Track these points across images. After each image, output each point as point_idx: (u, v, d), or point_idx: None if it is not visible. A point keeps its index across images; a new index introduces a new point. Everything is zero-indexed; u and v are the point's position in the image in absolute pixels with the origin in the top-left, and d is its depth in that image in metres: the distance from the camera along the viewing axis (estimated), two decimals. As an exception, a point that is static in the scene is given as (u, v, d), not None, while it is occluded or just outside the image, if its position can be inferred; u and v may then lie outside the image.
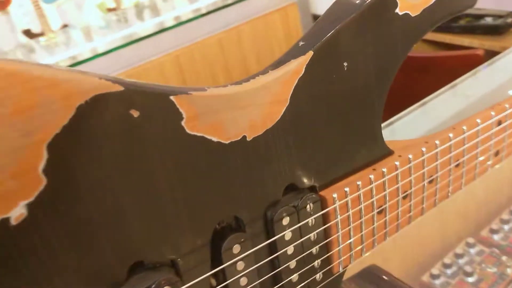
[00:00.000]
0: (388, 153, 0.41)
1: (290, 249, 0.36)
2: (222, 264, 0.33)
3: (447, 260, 0.82)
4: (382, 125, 0.73)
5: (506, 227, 0.93)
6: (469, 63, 1.11)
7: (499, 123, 0.49)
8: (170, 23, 1.89)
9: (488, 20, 1.66)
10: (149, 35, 1.84)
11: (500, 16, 1.65)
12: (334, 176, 0.38)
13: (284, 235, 0.35)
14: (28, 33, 1.83)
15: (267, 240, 0.35)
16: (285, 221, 0.35)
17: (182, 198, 0.30)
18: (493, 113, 0.48)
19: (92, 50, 1.81)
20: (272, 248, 0.35)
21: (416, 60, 1.23)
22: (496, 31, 1.63)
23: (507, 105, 0.49)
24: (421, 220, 0.93)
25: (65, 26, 1.86)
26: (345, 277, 0.52)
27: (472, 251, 0.86)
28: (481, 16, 1.70)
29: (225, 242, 0.32)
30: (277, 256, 0.35)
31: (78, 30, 1.86)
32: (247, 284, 0.34)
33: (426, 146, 0.43)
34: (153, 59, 1.85)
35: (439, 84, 1.00)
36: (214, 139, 0.30)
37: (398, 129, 0.91)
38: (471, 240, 0.91)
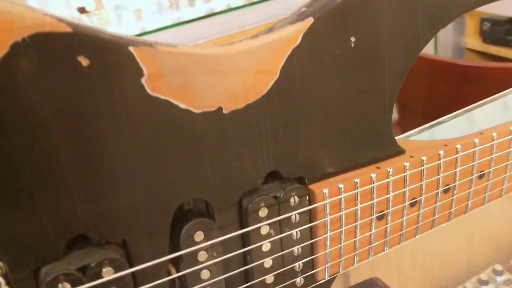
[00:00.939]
0: (398, 152, 0.36)
1: (266, 246, 0.31)
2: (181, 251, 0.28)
3: (469, 285, 0.75)
4: (423, 127, 0.67)
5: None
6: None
7: (536, 134, 0.42)
8: (221, 8, 1.87)
9: (548, 36, 1.54)
10: (198, 18, 1.81)
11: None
12: (328, 169, 0.33)
13: (259, 228, 0.31)
14: (82, 10, 1.86)
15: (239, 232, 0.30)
16: (263, 212, 0.30)
17: (138, 171, 0.26)
18: (530, 122, 0.41)
19: (141, 29, 1.81)
20: (245, 241, 0.31)
21: (464, 68, 1.15)
22: (555, 49, 1.51)
23: (549, 116, 0.42)
24: (447, 238, 0.86)
25: (118, 6, 1.88)
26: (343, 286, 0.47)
27: (499, 279, 0.79)
28: (541, 32, 1.59)
29: (186, 227, 0.28)
30: (249, 251, 0.31)
31: (131, 12, 1.88)
32: (210, 278, 0.30)
33: (444, 149, 0.37)
34: (199, 43, 1.82)
35: (486, 95, 0.92)
36: (182, 105, 0.26)
37: (439, 133, 0.84)
38: (499, 267, 0.84)
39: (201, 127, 0.27)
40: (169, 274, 0.29)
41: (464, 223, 0.87)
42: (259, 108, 0.29)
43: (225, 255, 0.30)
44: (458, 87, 1.17)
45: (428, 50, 1.62)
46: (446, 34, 1.74)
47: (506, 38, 1.61)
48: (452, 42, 1.74)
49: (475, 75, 1.10)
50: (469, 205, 0.41)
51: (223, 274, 0.30)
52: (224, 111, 0.27)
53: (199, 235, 0.29)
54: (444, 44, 1.78)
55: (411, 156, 0.36)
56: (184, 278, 0.29)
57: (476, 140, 0.38)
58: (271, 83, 0.28)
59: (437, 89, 1.22)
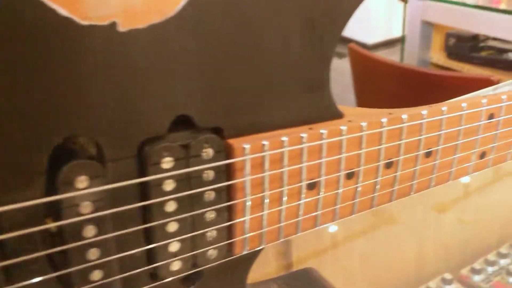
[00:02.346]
0: (336, 115, 0.32)
1: (170, 205, 0.26)
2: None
3: (417, 293, 0.72)
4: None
5: (490, 269, 0.83)
6: (482, 87, 1.02)
7: (491, 116, 0.39)
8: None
9: (511, 56, 1.56)
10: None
11: (525, 54, 1.56)
12: (252, 123, 0.28)
13: (162, 182, 0.26)
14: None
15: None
16: (166, 163, 0.25)
17: (8, 93, 0.21)
18: (484, 101, 0.38)
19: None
20: (143, 197, 0.26)
21: (428, 77, 1.14)
22: (517, 68, 1.52)
23: (504, 97, 0.39)
24: (398, 244, 0.83)
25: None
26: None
27: (447, 288, 0.75)
28: (504, 51, 1.60)
29: (65, 168, 0.23)
30: (149, 209, 0.26)
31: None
32: (96, 235, 0.24)
33: (388, 117, 0.33)
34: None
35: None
36: (62, 11, 0.21)
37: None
38: (448, 276, 0.81)
39: (87, 44, 0.22)
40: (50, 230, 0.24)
41: (415, 230, 0.84)
42: (166, 33, 0.24)
43: (114, 207, 0.25)
44: (422, 94, 1.16)
45: (393, 61, 1.61)
46: (412, 48, 1.74)
47: (470, 54, 1.62)
48: (418, 56, 1.74)
49: (439, 83, 1.09)
50: (414, 186, 0.37)
51: (114, 232, 0.25)
52: (119, 28, 0.22)
53: (81, 181, 0.23)
54: (410, 58, 1.78)
55: (350, 121, 0.32)
56: (61, 232, 0.24)
57: (424, 112, 0.35)
58: (182, 3, 0.24)
59: (402, 96, 1.20)
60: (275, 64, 0.28)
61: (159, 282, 0.28)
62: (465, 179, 0.88)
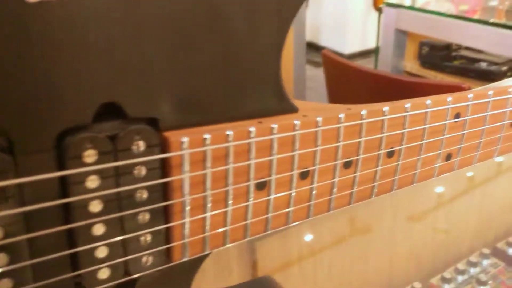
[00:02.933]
0: (290, 110, 0.29)
1: (94, 205, 0.23)
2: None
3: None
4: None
5: (460, 278, 0.81)
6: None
7: (457, 116, 0.37)
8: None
9: (483, 65, 1.56)
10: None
11: (495, 63, 1.56)
12: (193, 115, 0.26)
13: (84, 178, 0.22)
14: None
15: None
16: (89, 157, 0.22)
17: None
18: (450, 99, 0.36)
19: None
20: (64, 196, 0.23)
21: (403, 83, 1.13)
22: (488, 77, 1.53)
23: (470, 95, 0.37)
24: (368, 253, 0.80)
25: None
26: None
27: (418, 297, 0.74)
28: (476, 60, 1.61)
29: (-39, 159, 0.20)
30: (70, 208, 0.23)
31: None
32: (3, 237, 0.21)
33: (346, 113, 0.30)
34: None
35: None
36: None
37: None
38: (418, 285, 0.79)
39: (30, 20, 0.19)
40: None
41: (386, 239, 0.83)
42: (84, 7, 0.21)
43: (24, 206, 0.21)
44: (395, 101, 1.15)
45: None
46: (386, 57, 1.74)
47: (443, 63, 1.62)
48: (392, 64, 1.74)
49: (411, 90, 1.08)
50: (375, 188, 0.34)
51: (27, 234, 0.22)
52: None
53: (-17, 175, 0.20)
54: (384, 66, 1.78)
55: (305, 116, 0.29)
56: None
57: (386, 108, 0.32)
58: (104, -28, 0.21)
59: (375, 102, 1.18)
60: (220, 51, 0.25)
61: (85, 293, 0.25)
62: (440, 189, 0.86)
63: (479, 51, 1.60)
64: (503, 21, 1.51)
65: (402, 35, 1.68)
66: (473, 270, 0.85)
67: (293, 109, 0.29)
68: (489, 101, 0.39)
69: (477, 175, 0.93)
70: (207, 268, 0.65)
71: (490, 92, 0.39)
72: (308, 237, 0.75)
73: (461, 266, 0.85)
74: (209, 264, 0.65)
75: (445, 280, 0.82)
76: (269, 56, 0.27)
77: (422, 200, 0.89)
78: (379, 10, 1.63)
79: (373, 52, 3.33)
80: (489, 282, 0.82)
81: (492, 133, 0.40)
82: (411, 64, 1.72)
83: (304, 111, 0.30)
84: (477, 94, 0.38)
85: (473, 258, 0.87)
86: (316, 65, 3.28)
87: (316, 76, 2.75)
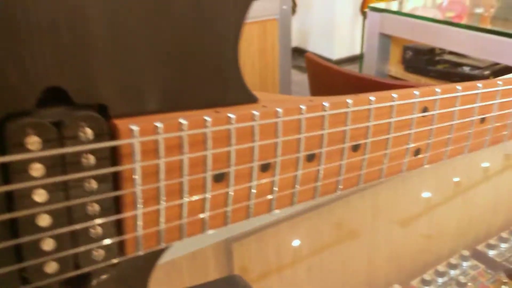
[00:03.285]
0: (250, 100, 0.29)
1: (39, 194, 0.22)
2: None
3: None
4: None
5: (440, 280, 0.81)
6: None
7: (424, 110, 0.37)
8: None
9: (466, 69, 1.58)
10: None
11: (478, 67, 1.58)
12: (145, 104, 0.25)
13: (26, 166, 0.22)
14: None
15: (-5, 168, 0.21)
16: (32, 144, 0.22)
17: None
18: (417, 92, 0.36)
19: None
20: (5, 184, 0.22)
21: (383, 86, 1.13)
22: (471, 81, 1.54)
23: (438, 90, 0.37)
24: (347, 256, 0.80)
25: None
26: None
27: (399, 299, 0.73)
28: (460, 64, 1.62)
29: None
30: (12, 198, 0.22)
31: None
32: None
33: (308, 104, 0.30)
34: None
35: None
36: None
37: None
38: (397, 287, 0.79)
39: None
40: None
41: (366, 241, 0.83)
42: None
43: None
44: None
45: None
46: (370, 61, 1.75)
47: (426, 68, 1.63)
48: (376, 68, 1.74)
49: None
50: (340, 183, 0.34)
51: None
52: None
53: None
54: (369, 71, 1.79)
55: (264, 106, 0.29)
56: None
57: (349, 101, 0.32)
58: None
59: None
60: (171, 37, 0.25)
61: (32, 287, 0.24)
62: (427, 194, 0.86)
63: (462, 56, 1.62)
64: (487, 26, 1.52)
65: (386, 39, 1.69)
66: (453, 272, 0.85)
67: (252, 100, 0.29)
68: (457, 96, 0.38)
69: (464, 181, 0.93)
70: (184, 269, 0.65)
71: (459, 87, 0.39)
72: (287, 238, 0.74)
73: (441, 268, 0.84)
74: (185, 265, 0.64)
75: (425, 282, 0.82)
76: (226, 44, 0.27)
77: (403, 203, 0.89)
78: (363, 14, 1.64)
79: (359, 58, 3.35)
80: (469, 284, 0.82)
81: (462, 129, 0.40)
82: (395, 69, 1.73)
83: (264, 102, 0.29)
84: (445, 89, 0.37)
85: (453, 260, 0.87)
86: (303, 70, 3.29)
87: (303, 81, 2.77)
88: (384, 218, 0.83)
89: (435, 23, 1.56)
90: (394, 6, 1.71)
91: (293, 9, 3.95)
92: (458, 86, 0.39)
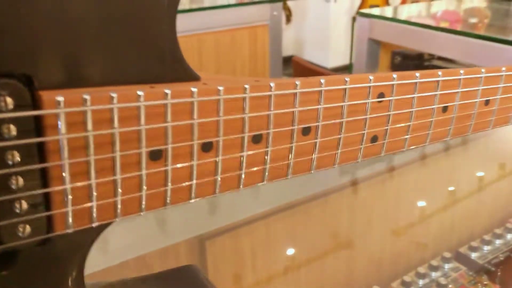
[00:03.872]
0: (190, 78, 0.28)
1: (-45, 163, 0.22)
2: None
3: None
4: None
5: (421, 281, 0.80)
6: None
7: (381, 96, 0.36)
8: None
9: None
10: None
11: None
12: (75, 77, 0.24)
13: None
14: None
15: None
16: None
17: None
18: (371, 77, 0.35)
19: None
20: None
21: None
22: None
23: (395, 76, 0.36)
24: (325, 257, 0.79)
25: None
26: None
27: (378, 301, 0.72)
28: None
29: None
30: None
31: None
32: None
33: (253, 84, 0.29)
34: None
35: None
36: None
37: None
38: (377, 289, 0.78)
39: None
40: None
41: (345, 243, 0.82)
42: None
43: None
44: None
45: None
46: (360, 66, 1.75)
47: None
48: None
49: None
50: (290, 168, 0.33)
51: None
52: None
53: None
54: (359, 76, 1.79)
55: (205, 84, 0.28)
56: None
57: (298, 82, 0.31)
58: None
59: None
60: (102, 5, 0.24)
61: (-47, 263, 0.23)
62: (410, 196, 0.86)
63: (451, 61, 1.62)
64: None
65: (375, 45, 1.69)
66: (434, 274, 0.84)
67: (194, 77, 0.28)
68: (416, 82, 0.38)
69: (455, 185, 0.92)
70: (155, 266, 0.64)
71: (417, 74, 0.38)
72: (263, 238, 0.74)
73: (422, 269, 0.83)
74: (156, 261, 0.63)
75: (406, 284, 0.81)
76: (162, 19, 0.26)
77: (383, 204, 0.88)
78: (352, 19, 1.64)
79: (353, 66, 3.35)
80: (450, 286, 0.81)
81: (422, 117, 0.40)
82: (385, 74, 1.73)
83: (207, 81, 0.29)
84: (403, 75, 0.37)
85: (434, 262, 0.86)
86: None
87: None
88: (363, 219, 0.83)
89: (424, 28, 1.56)
90: (385, 12, 1.72)
91: (288, 18, 3.97)
92: (417, 73, 0.38)
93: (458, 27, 1.67)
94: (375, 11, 1.70)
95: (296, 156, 0.33)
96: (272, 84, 0.30)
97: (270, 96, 0.30)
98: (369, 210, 0.85)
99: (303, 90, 0.31)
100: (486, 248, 0.92)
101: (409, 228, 0.89)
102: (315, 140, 0.33)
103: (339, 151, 0.35)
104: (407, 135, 0.39)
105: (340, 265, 0.82)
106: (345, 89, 0.34)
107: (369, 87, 0.35)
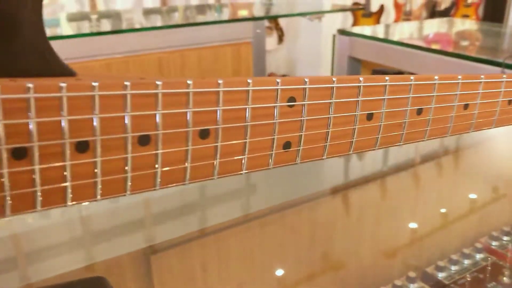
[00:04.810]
0: (64, 73, 0.27)
1: None
2: None
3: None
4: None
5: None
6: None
7: (291, 100, 0.35)
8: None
9: (435, 93, 1.57)
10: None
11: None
12: None
13: None
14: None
15: None
16: None
17: None
18: (278, 80, 0.34)
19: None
20: None
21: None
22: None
23: (306, 79, 0.35)
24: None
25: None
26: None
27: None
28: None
29: None
30: None
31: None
32: None
33: (136, 81, 0.28)
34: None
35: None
36: None
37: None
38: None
39: None
40: None
41: (303, 260, 0.80)
42: None
43: None
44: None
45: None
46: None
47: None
48: (348, 92, 1.74)
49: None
50: (187, 172, 0.31)
51: None
52: None
53: None
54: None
55: (79, 79, 0.27)
56: None
57: (189, 82, 0.30)
58: None
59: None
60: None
61: None
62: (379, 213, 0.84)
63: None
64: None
65: (355, 62, 1.69)
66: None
67: (67, 73, 0.27)
68: (332, 87, 0.37)
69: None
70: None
71: (334, 79, 0.37)
72: (214, 253, 0.71)
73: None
74: (100, 273, 0.61)
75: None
76: (25, 8, 0.25)
77: (346, 222, 0.86)
78: (333, 37, 1.65)
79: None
80: (413, 305, 0.79)
81: (344, 124, 0.38)
82: (366, 92, 1.72)
83: (84, 77, 0.27)
84: (317, 79, 0.36)
85: (398, 282, 0.84)
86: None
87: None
88: (322, 236, 0.80)
89: (404, 47, 1.56)
90: (364, 31, 1.73)
91: (281, 38, 4.00)
92: (334, 78, 0.37)
93: (450, 49, 1.68)
94: (356, 29, 1.70)
95: (195, 161, 0.31)
96: (159, 83, 0.28)
97: (156, 94, 0.28)
98: (331, 227, 0.83)
99: (196, 90, 0.30)
100: (454, 268, 0.90)
101: (375, 246, 0.87)
102: (216, 144, 0.32)
103: (246, 156, 0.33)
104: (326, 142, 0.37)
105: (299, 282, 0.80)
106: (247, 91, 0.32)
107: (277, 90, 0.33)
